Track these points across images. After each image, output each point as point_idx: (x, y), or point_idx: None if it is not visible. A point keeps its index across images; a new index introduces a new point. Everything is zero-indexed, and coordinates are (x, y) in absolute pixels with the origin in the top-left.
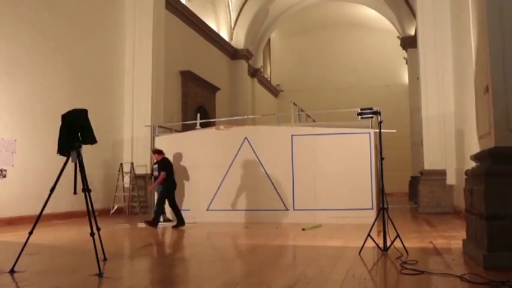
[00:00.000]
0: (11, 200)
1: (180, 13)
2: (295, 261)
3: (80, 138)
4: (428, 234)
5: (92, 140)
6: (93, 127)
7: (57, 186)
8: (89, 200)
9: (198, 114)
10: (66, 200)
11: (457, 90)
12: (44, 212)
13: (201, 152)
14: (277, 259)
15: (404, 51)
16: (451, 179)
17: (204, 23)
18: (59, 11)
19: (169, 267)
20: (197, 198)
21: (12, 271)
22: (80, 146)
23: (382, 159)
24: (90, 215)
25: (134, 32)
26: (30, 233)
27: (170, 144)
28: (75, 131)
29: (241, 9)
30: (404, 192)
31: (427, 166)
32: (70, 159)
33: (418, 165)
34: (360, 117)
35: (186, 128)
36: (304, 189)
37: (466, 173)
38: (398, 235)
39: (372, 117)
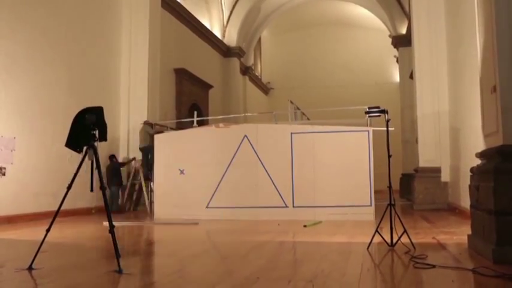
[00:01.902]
0: (10, 198)
1: (174, 11)
2: (306, 257)
3: (97, 136)
4: (429, 230)
5: (105, 138)
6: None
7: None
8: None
9: (195, 112)
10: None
11: (452, 88)
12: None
13: (200, 150)
14: (288, 255)
15: (395, 49)
16: (445, 176)
17: (198, 20)
18: (56, 9)
19: (185, 263)
20: (196, 196)
21: (30, 268)
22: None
23: (389, 156)
24: (108, 212)
25: (130, 30)
26: (48, 230)
27: (169, 142)
28: (92, 129)
29: (233, 7)
30: (394, 189)
31: (422, 163)
32: (87, 157)
33: (409, 163)
34: (367, 115)
35: (180, 126)
36: (304, 187)
37: (472, 170)
38: (405, 230)
39: (379, 116)
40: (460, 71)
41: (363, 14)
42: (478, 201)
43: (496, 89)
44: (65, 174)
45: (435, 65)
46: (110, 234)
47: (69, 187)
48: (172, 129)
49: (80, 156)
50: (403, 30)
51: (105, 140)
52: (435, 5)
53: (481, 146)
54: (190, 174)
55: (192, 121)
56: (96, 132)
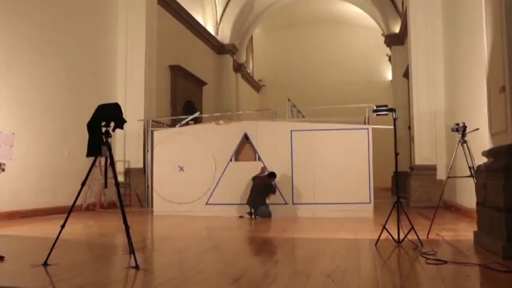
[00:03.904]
0: (10, 194)
1: (169, 7)
2: (317, 253)
3: (110, 132)
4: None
5: (121, 126)
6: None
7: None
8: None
9: (194, 110)
10: (63, 194)
11: (449, 87)
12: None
13: (200, 147)
14: (298, 251)
15: (387, 48)
16: (441, 174)
17: (192, 17)
18: (54, 5)
19: (198, 260)
20: (196, 192)
21: (45, 264)
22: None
23: (396, 154)
24: (123, 210)
25: (127, 27)
26: (63, 227)
27: (169, 139)
28: (105, 125)
29: (227, 4)
30: (385, 187)
31: (418, 161)
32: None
33: (402, 161)
34: (375, 113)
35: (176, 123)
36: (303, 184)
37: (479, 167)
38: (412, 227)
39: (386, 114)
40: (457, 69)
41: (355, 12)
42: (486, 199)
43: (506, 89)
44: (64, 170)
45: (431, 63)
46: (122, 232)
47: (83, 184)
48: (168, 125)
49: (80, 154)
50: (396, 29)
51: (121, 127)
52: (432, 4)
53: (478, 144)
54: (189, 171)
55: (187, 118)
56: (110, 128)
